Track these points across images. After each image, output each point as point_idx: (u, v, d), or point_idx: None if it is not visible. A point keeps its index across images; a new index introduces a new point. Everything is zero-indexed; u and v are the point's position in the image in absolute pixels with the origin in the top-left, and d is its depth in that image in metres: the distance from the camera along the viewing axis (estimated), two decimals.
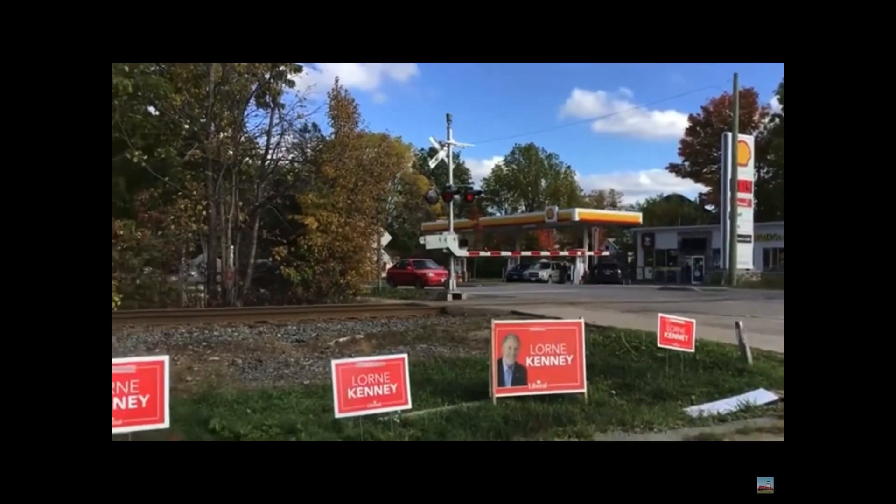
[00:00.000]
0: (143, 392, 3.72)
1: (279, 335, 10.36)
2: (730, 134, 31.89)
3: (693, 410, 5.42)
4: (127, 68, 17.75)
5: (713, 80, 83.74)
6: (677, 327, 6.71)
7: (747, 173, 33.57)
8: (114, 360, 3.67)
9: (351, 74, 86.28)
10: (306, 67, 20.55)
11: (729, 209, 31.51)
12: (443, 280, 23.32)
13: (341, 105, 20.99)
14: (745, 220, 32.36)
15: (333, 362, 4.44)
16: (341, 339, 9.87)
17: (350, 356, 8.48)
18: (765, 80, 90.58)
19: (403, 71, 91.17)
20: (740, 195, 31.96)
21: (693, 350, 6.85)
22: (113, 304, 15.62)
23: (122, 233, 17.09)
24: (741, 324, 7.36)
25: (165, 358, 3.85)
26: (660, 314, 6.78)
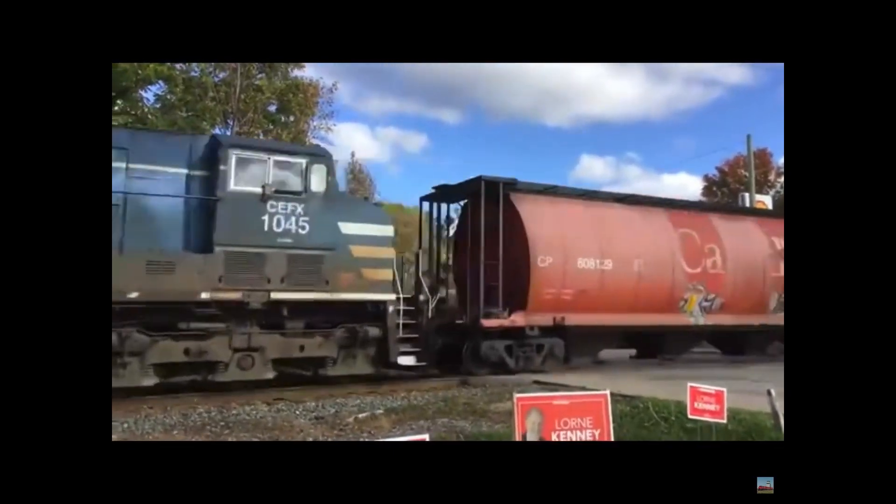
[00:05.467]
0: None
1: (297, 412, 10.17)
2: (747, 195, 31.83)
3: None
4: None
5: (722, 141, 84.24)
6: (707, 397, 6.45)
7: None
8: None
9: (365, 149, 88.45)
10: (321, 141, 21.16)
11: None
12: None
13: (358, 179, 21.52)
14: None
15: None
16: (360, 416, 9.65)
17: (370, 433, 8.29)
18: (779, 140, 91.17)
19: (414, 142, 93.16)
20: None
21: (725, 420, 6.58)
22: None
23: None
24: (773, 391, 7.08)
25: None
26: (689, 384, 6.52)
